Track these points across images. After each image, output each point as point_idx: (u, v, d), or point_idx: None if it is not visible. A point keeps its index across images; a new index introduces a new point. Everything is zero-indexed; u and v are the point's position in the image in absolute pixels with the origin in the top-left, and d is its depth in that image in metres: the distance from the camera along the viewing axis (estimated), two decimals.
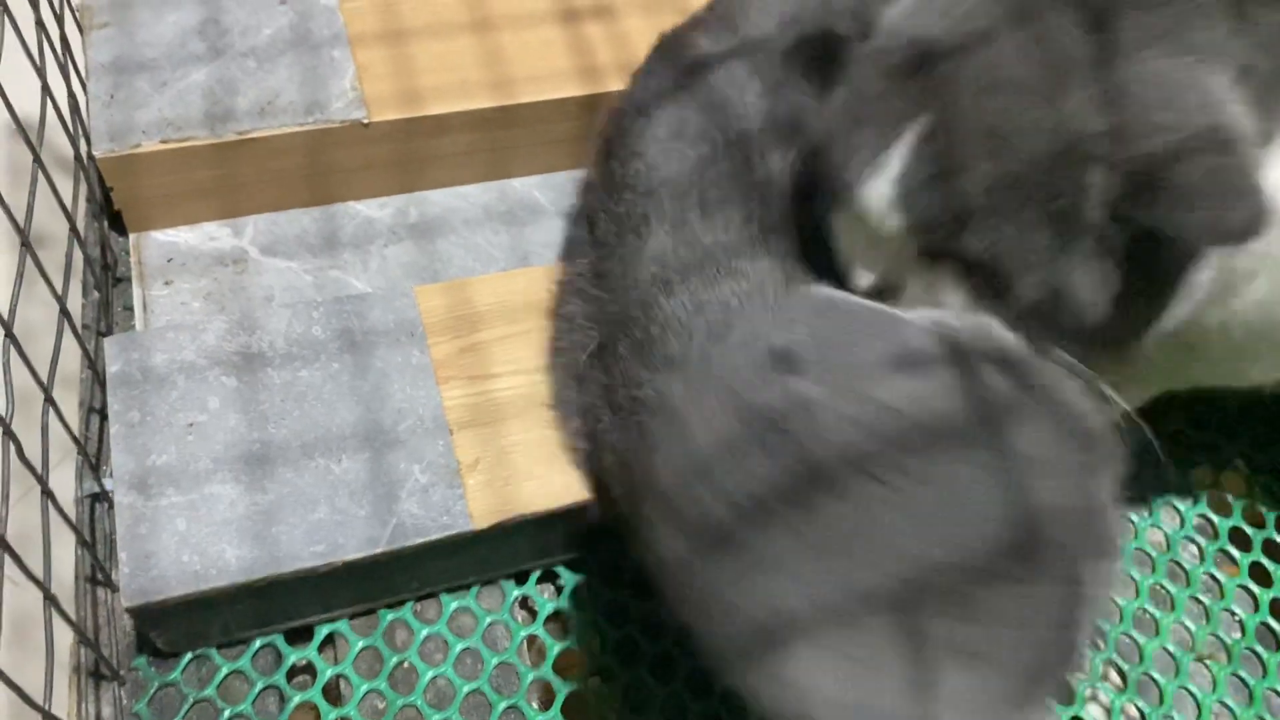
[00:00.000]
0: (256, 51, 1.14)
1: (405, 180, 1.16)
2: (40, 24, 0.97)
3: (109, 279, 1.09)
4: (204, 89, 1.10)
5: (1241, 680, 0.97)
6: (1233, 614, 1.01)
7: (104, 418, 0.96)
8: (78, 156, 1.03)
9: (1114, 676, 0.97)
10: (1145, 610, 1.00)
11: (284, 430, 0.90)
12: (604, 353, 0.76)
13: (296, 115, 1.09)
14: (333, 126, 1.10)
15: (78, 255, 0.96)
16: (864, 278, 0.65)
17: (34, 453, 0.76)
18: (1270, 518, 1.06)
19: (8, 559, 0.69)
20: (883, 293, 0.65)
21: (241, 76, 1.12)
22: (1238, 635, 0.99)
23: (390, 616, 0.93)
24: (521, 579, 0.96)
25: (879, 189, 0.60)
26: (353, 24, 1.17)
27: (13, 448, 0.72)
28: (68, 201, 0.94)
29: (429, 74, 1.14)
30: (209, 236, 1.13)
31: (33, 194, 0.86)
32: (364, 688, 0.89)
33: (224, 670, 0.89)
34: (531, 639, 0.93)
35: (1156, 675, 0.96)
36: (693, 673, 0.92)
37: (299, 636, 0.92)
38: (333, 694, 0.89)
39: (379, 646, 0.91)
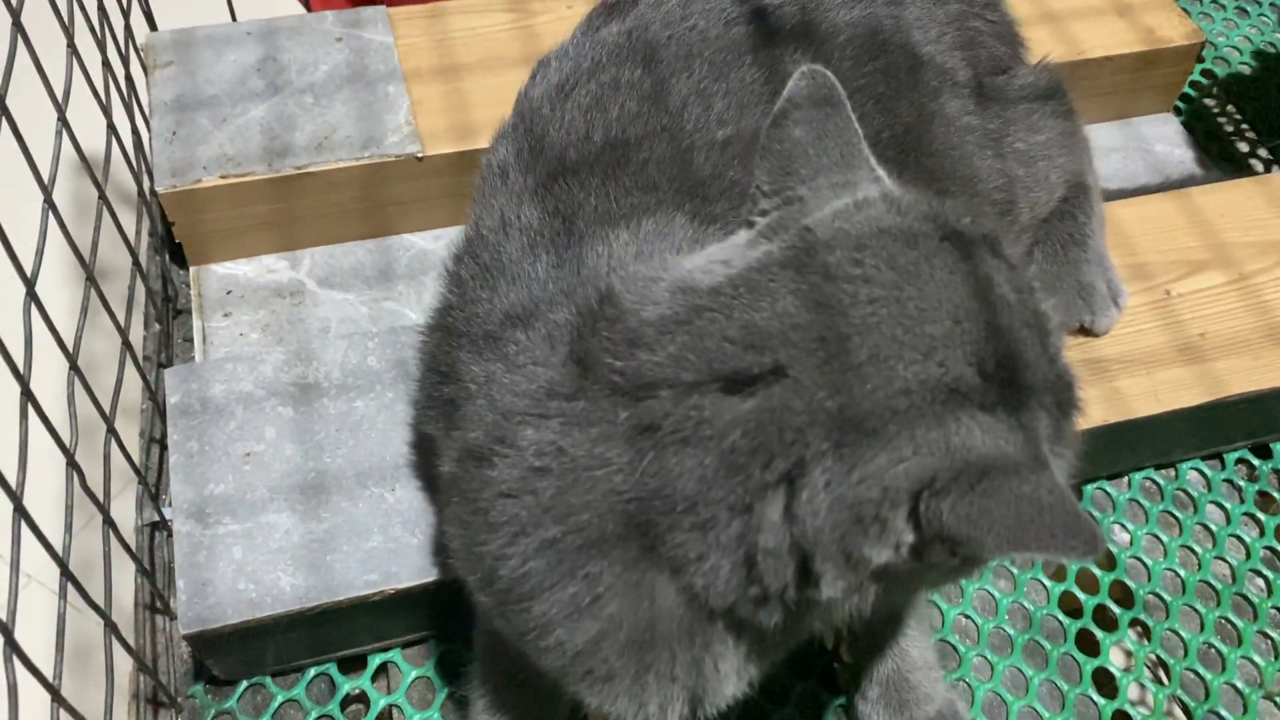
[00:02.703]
0: (314, 88, 1.16)
1: (459, 213, 1.17)
2: (106, 64, 1.00)
3: (170, 311, 1.11)
4: (263, 125, 1.12)
5: None
6: None
7: (164, 447, 0.98)
8: (140, 192, 1.05)
9: (1178, 713, 0.95)
10: (1210, 645, 0.97)
11: (339, 460, 0.91)
12: None
13: (353, 150, 1.11)
14: (388, 161, 1.11)
15: (140, 288, 0.98)
16: None
17: (96, 482, 0.77)
18: None
19: (70, 587, 0.70)
20: None
21: (299, 112, 1.14)
22: None
23: (443, 646, 0.93)
24: None
25: None
26: (407, 60, 1.19)
27: (76, 478, 0.74)
28: (131, 236, 0.96)
29: (482, 109, 1.15)
30: (267, 269, 1.15)
31: (97, 229, 0.88)
32: (417, 718, 0.89)
33: (279, 699, 0.89)
34: None
35: (1223, 712, 0.94)
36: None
37: (353, 666, 0.92)
38: None
39: (431, 677, 0.91)
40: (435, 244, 1.17)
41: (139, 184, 1.05)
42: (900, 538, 0.53)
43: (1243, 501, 1.06)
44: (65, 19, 0.90)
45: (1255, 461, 1.09)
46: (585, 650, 0.62)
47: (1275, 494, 1.07)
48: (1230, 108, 1.41)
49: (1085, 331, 1.03)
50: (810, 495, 0.53)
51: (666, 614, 0.60)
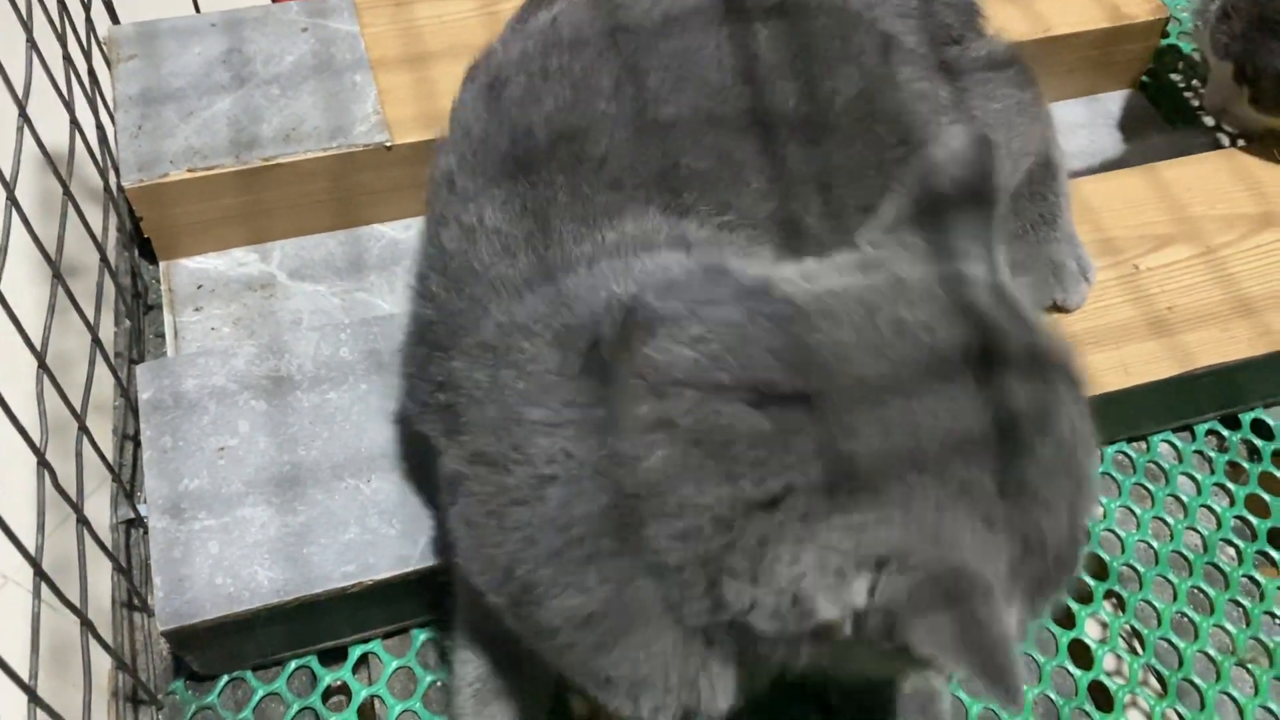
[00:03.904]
0: (280, 79, 1.15)
1: None
2: (68, 58, 0.98)
3: (140, 307, 1.11)
4: (229, 117, 1.12)
5: None
6: (1274, 616, 0.99)
7: (137, 444, 0.97)
8: (107, 187, 1.04)
9: (1153, 682, 0.96)
10: (1184, 614, 0.99)
11: (314, 452, 0.91)
12: None
13: (320, 140, 1.11)
14: (356, 150, 1.11)
15: (109, 284, 0.98)
16: None
17: (69, 481, 0.77)
18: None
19: (45, 586, 0.70)
20: None
21: (266, 104, 1.13)
22: None
23: (423, 636, 0.93)
24: None
25: None
26: (374, 49, 1.19)
27: (48, 476, 0.73)
28: (98, 232, 0.96)
29: (450, 97, 1.13)
30: (237, 262, 1.15)
31: (63, 225, 0.87)
32: (399, 708, 0.89)
33: (260, 693, 0.89)
34: None
35: (1197, 680, 0.95)
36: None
37: (333, 657, 0.92)
38: (368, 714, 0.90)
39: (412, 666, 0.92)
40: (406, 233, 1.17)
41: (105, 179, 1.04)
42: (852, 599, 0.53)
43: (1213, 472, 1.07)
44: (24, 13, 0.89)
45: (1225, 432, 1.10)
46: (588, 659, 0.63)
47: (1245, 464, 1.08)
48: (1195, 82, 1.42)
49: (1057, 309, 1.04)
50: (784, 519, 0.53)
51: (658, 629, 0.61)
